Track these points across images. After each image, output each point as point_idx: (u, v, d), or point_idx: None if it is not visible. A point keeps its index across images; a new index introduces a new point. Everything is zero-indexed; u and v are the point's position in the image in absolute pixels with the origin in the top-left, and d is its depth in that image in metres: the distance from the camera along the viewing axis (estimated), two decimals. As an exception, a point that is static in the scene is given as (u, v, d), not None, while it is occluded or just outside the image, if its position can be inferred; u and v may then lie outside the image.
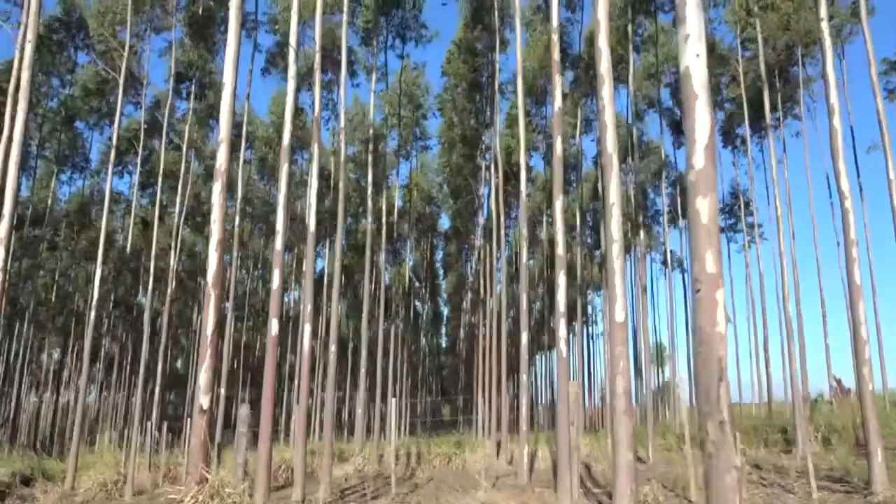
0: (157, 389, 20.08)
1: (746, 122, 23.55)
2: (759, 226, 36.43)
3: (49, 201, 34.72)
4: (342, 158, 15.09)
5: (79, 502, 12.07)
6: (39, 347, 48.97)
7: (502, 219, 21.15)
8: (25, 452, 27.84)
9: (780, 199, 19.45)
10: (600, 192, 40.31)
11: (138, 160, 23.18)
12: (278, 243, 10.19)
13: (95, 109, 27.88)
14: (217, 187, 8.00)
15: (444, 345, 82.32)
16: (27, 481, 15.13)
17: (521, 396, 12.72)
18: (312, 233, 11.24)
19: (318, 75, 12.24)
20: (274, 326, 9.42)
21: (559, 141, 9.63)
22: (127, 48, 17.75)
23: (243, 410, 11.88)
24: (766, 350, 22.11)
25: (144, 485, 13.41)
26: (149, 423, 15.29)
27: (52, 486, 14.15)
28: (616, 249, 7.40)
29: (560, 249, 9.16)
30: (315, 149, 11.79)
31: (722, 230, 36.76)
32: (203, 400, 7.09)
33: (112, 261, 42.66)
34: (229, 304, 42.80)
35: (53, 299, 40.95)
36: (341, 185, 14.68)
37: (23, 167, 33.83)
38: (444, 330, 79.71)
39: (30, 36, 10.59)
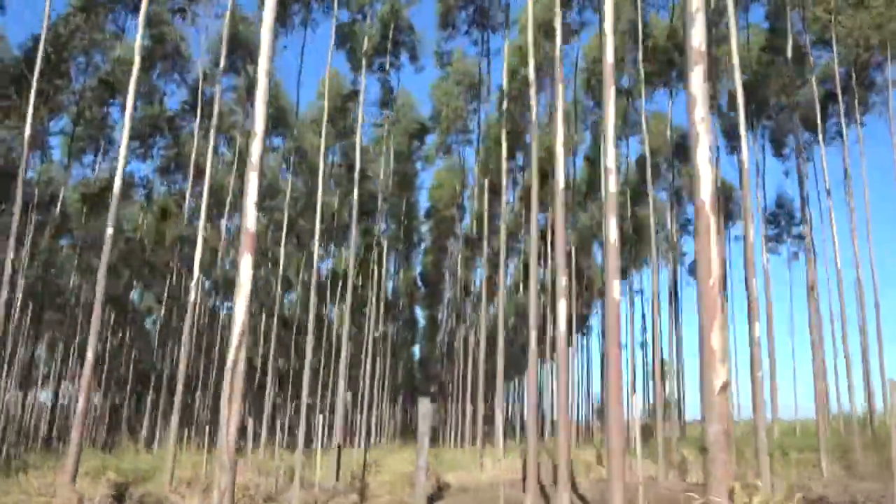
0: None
1: (822, 127, 22.63)
2: (801, 238, 35.78)
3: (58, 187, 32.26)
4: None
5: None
6: (26, 343, 45.95)
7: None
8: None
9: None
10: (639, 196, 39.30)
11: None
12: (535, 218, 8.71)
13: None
14: (610, 94, 6.45)
15: (435, 351, 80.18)
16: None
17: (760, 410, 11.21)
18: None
19: None
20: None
21: None
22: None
23: (424, 406, 10.19)
24: (880, 357, 21.05)
25: (269, 490, 11.59)
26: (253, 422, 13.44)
27: (144, 485, 12.33)
28: None
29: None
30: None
31: (770, 239, 35.98)
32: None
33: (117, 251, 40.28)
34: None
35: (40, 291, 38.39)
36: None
37: (39, 144, 31.23)
38: (441, 337, 77.74)
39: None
